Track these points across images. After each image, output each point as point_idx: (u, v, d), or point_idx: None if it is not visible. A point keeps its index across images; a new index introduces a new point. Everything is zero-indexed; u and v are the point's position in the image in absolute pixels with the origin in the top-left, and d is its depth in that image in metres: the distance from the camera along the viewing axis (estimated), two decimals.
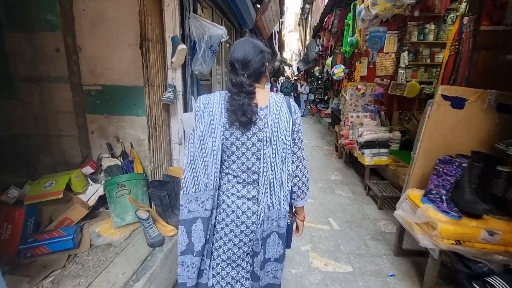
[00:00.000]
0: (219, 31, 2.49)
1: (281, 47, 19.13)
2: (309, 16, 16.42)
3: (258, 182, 1.12)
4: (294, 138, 1.13)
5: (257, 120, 1.07)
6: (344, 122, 5.14)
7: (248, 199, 1.14)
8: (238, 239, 1.17)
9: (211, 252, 1.20)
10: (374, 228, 2.86)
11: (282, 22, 18.68)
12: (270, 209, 1.13)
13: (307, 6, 16.66)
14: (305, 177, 1.22)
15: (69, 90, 2.33)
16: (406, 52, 4.40)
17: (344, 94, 4.77)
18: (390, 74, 4.60)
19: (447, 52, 2.66)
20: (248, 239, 1.17)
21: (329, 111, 8.58)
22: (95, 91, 2.47)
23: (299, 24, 22.54)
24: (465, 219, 1.72)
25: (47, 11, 2.20)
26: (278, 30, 16.89)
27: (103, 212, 2.34)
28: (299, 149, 1.16)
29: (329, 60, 5.35)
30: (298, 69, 18.99)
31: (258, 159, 1.10)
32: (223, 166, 1.14)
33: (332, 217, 3.07)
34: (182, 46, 2.26)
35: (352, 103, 4.92)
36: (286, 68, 27.91)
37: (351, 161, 4.94)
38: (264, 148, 1.08)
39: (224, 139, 1.08)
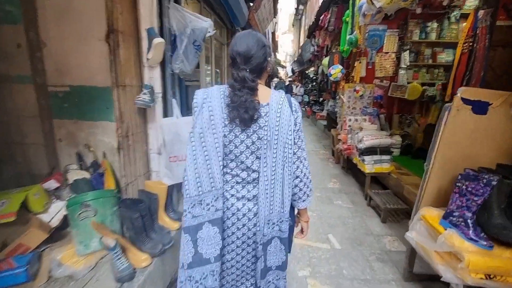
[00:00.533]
0: (204, 23, 2.17)
1: (275, 48, 18.98)
2: (303, 16, 16.23)
3: (258, 181, 1.07)
4: (294, 138, 1.08)
5: (258, 118, 1.03)
6: (341, 126, 4.86)
7: (248, 199, 1.09)
8: (241, 242, 1.12)
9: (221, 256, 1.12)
10: (379, 246, 2.56)
11: (275, 23, 18.52)
12: (271, 212, 1.08)
13: (301, 7, 16.48)
14: (307, 178, 1.15)
15: (32, 91, 2.03)
16: (407, 52, 4.15)
17: (342, 96, 4.50)
18: (390, 75, 4.34)
19: (459, 50, 2.39)
20: (252, 241, 1.13)
21: (324, 113, 8.32)
22: (62, 92, 2.13)
23: (293, 25, 22.36)
24: (497, 248, 1.43)
25: (5, 1, 1.90)
26: (272, 31, 16.77)
27: (71, 232, 1.99)
28: (299, 149, 1.11)
29: (325, 60, 5.08)
30: (292, 70, 18.82)
31: (258, 158, 1.06)
32: (224, 165, 1.08)
33: (332, 233, 2.76)
34: (158, 40, 1.93)
35: (350, 105, 4.64)
36: (280, 69, 27.84)
37: (349, 167, 4.66)
38: (265, 147, 1.04)
39: (223, 136, 1.03)
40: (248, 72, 1.00)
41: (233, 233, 1.10)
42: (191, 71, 2.23)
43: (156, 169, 2.35)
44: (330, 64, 4.64)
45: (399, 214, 3.12)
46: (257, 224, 1.09)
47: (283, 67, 27.27)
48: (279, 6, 22.63)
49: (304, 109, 13.58)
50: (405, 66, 4.19)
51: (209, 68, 4.45)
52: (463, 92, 1.72)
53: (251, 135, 1.04)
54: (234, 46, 1.04)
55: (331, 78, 4.60)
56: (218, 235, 1.06)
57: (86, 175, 2.19)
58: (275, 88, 16.45)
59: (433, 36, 4.27)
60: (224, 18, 4.93)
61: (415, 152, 4.23)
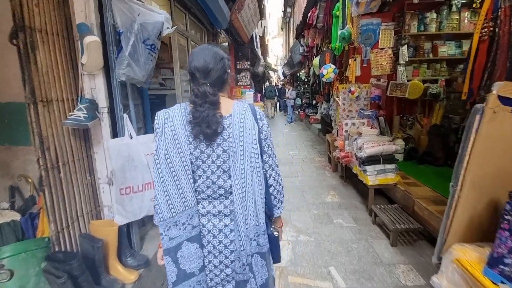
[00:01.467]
0: (157, 17, 1.71)
1: (265, 52, 18.71)
2: (291, 19, 15.94)
3: (226, 197, 1.06)
4: (263, 146, 1.07)
5: (222, 131, 1.01)
6: (337, 131, 4.41)
7: (225, 215, 1.06)
8: (218, 261, 1.07)
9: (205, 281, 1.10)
10: (391, 280, 2.09)
11: (264, 26, 18.26)
12: (247, 226, 1.03)
13: (288, 9, 16.19)
14: (280, 185, 1.15)
15: None
16: (405, 46, 3.74)
17: (336, 99, 4.05)
18: (387, 73, 3.91)
19: (477, 38, 1.96)
20: (229, 261, 1.08)
21: (318, 116, 7.89)
22: None
23: (281, 29, 22.12)
24: None
25: None
26: (261, 35, 16.52)
27: None
28: (269, 157, 1.10)
29: (316, 60, 4.66)
30: (283, 73, 18.50)
31: (224, 171, 1.04)
32: (195, 181, 1.06)
33: (334, 265, 2.28)
34: (91, 38, 1.46)
35: (346, 108, 4.21)
36: (272, 73, 27.60)
37: (348, 176, 4.20)
38: (231, 159, 1.02)
39: (189, 154, 1.02)
40: (209, 86, 0.98)
41: (209, 252, 1.07)
42: (144, 78, 1.75)
43: (108, 203, 1.86)
44: (321, 63, 4.20)
45: (411, 235, 2.65)
46: (234, 241, 1.06)
47: (275, 71, 27.07)
48: (267, 10, 22.57)
49: (297, 112, 13.18)
50: (404, 63, 3.78)
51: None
52: (501, 88, 1.27)
53: (216, 148, 1.02)
54: (192, 61, 1.01)
55: (324, 79, 4.16)
56: (199, 250, 1.06)
57: (15, 216, 1.70)
58: (265, 91, 16.01)
59: (432, 28, 3.87)
60: (203, 19, 4.49)
61: (420, 157, 3.79)
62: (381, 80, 4.03)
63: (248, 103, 1.08)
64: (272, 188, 1.12)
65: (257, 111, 1.08)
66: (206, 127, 0.96)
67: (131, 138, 1.82)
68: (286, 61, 15.77)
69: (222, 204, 1.06)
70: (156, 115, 1.04)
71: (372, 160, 3.04)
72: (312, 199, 3.67)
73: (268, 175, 1.10)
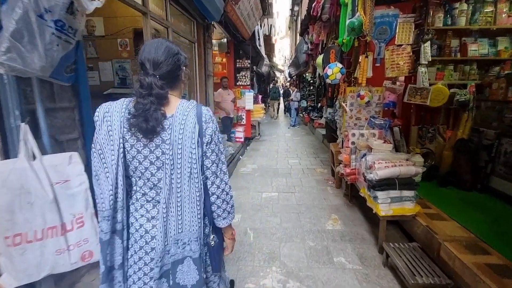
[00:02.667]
0: None
1: (271, 51, 18.11)
2: (299, 17, 15.29)
3: (158, 201, 1.02)
4: (205, 151, 1.01)
5: (161, 131, 0.95)
6: (342, 141, 3.77)
7: (158, 220, 1.01)
8: (149, 268, 1.03)
9: (126, 279, 1.05)
10: None
11: (271, 25, 17.68)
12: (180, 231, 1.01)
13: (296, 7, 15.55)
14: (226, 193, 1.08)
15: None
16: (428, 43, 3.08)
17: (343, 104, 3.41)
18: (405, 74, 3.27)
19: None
20: (149, 258, 1.03)
21: (323, 121, 7.24)
22: None
23: (289, 28, 21.47)
24: None
25: None
26: (267, 34, 15.95)
27: None
28: (213, 163, 1.03)
29: (319, 59, 4.02)
30: (289, 74, 17.86)
31: (166, 174, 0.98)
32: (132, 183, 1.03)
33: None
34: None
35: (353, 115, 3.56)
36: (278, 74, 26.98)
37: (354, 195, 3.56)
38: (169, 162, 0.96)
39: (126, 152, 0.97)
40: (157, 78, 0.93)
41: (140, 258, 1.03)
42: (45, 71, 1.16)
43: None
44: (326, 62, 3.57)
45: None
46: (158, 244, 0.99)
47: (281, 71, 26.45)
48: (275, 9, 22.00)
49: (301, 115, 12.52)
50: (426, 63, 3.13)
51: None
52: None
53: (154, 149, 0.97)
54: (142, 52, 0.96)
55: (328, 80, 3.52)
56: (121, 245, 1.00)
57: None
58: (269, 92, 15.50)
59: (462, 22, 3.20)
60: (191, 9, 3.90)
61: (443, 178, 3.14)
62: (397, 83, 3.38)
63: (195, 104, 1.02)
64: (214, 196, 1.06)
65: (204, 113, 1.01)
66: (143, 120, 0.91)
67: (34, 159, 1.23)
68: (291, 61, 15.14)
69: (156, 209, 1.02)
70: (99, 107, 0.97)
71: (386, 184, 2.40)
72: (310, 224, 3.04)
73: (210, 182, 1.04)
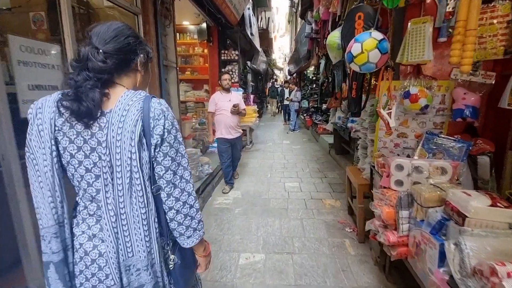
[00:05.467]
0: None
1: (269, 46, 16.65)
2: (299, 8, 13.78)
3: (101, 216, 0.83)
4: (155, 156, 0.81)
5: (97, 130, 0.78)
6: (372, 173, 2.25)
7: (102, 240, 0.84)
8: None
9: None
10: None
11: (268, 18, 16.21)
12: (131, 255, 0.83)
13: None
14: (189, 206, 0.87)
15: None
16: None
17: (382, 112, 1.86)
18: (498, 56, 1.74)
19: None
20: None
21: (329, 127, 5.72)
22: None
23: (289, 22, 19.92)
24: None
25: None
26: (264, 28, 14.55)
27: None
28: (167, 170, 0.83)
29: (333, 35, 2.45)
30: (289, 72, 16.39)
31: (106, 185, 0.81)
32: (77, 193, 0.88)
33: None
34: None
35: (398, 128, 2.04)
36: (277, 71, 25.55)
37: (395, 265, 2.05)
38: (105, 170, 0.79)
39: (56, 156, 0.80)
40: (102, 52, 0.77)
41: (81, 284, 0.84)
42: None
43: None
44: (348, 35, 2.02)
45: None
46: (109, 275, 0.82)
47: (280, 69, 25.07)
48: (274, 4, 20.53)
49: (302, 117, 10.98)
50: None
51: (54, 49, 1.92)
52: None
53: (90, 153, 0.80)
54: (94, 26, 0.82)
55: (354, 67, 1.93)
56: (59, 283, 0.83)
57: None
58: (268, 90, 14.54)
59: None
60: None
61: None
62: (481, 73, 1.85)
63: (143, 95, 0.81)
64: (173, 211, 0.86)
65: (153, 106, 0.80)
66: (74, 100, 0.75)
67: None
68: (291, 56, 13.62)
69: (99, 225, 0.85)
70: (34, 103, 0.81)
71: None
72: None
73: (165, 194, 0.84)
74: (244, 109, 3.87)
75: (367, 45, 1.71)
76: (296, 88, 9.81)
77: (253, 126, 6.55)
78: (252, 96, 7.35)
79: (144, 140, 0.79)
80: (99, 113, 0.77)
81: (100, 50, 0.77)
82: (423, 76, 1.94)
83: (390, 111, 1.77)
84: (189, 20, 5.70)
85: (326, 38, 3.37)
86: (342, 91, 4.82)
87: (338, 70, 4.74)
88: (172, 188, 0.84)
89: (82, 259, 0.84)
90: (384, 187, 1.89)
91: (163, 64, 3.07)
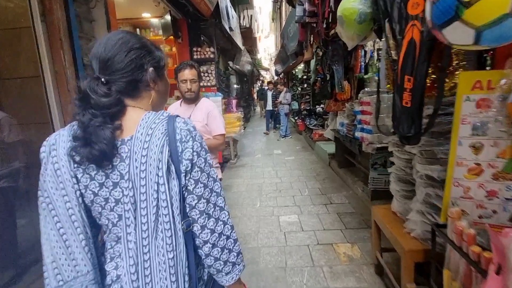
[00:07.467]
0: None
1: (253, 46, 15.70)
2: (283, 4, 12.85)
3: (125, 255, 0.70)
4: (185, 185, 0.70)
5: (118, 162, 0.68)
6: (435, 233, 1.23)
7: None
8: None
9: None
10: None
11: (251, 16, 15.26)
12: None
13: None
14: (226, 238, 0.76)
15: None
16: None
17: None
18: None
19: None
20: None
21: (329, 135, 4.72)
22: None
23: (273, 20, 19.00)
24: None
25: None
26: (247, 26, 13.61)
27: None
28: (200, 199, 0.72)
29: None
30: (276, 72, 15.48)
31: (128, 225, 0.68)
32: (104, 232, 0.77)
33: None
34: None
35: (493, 162, 1.02)
36: (263, 72, 24.68)
37: None
38: (128, 207, 0.66)
39: (79, 196, 0.68)
40: (104, 82, 0.68)
41: None
42: None
43: None
44: None
45: None
46: None
47: (266, 69, 24.23)
48: (256, 4, 19.59)
49: (293, 120, 10.00)
50: None
51: None
52: None
53: (113, 189, 0.69)
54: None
55: (462, 27, 0.94)
56: None
57: None
58: (257, 93, 13.80)
59: None
60: None
61: None
62: None
63: (166, 115, 0.70)
64: (208, 246, 0.74)
65: (178, 127, 0.69)
66: (84, 144, 0.64)
67: None
68: (277, 55, 12.67)
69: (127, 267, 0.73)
70: (46, 140, 0.71)
71: None
72: None
73: (199, 227, 0.72)
74: (221, 134, 2.03)
75: None
76: (285, 89, 8.79)
77: (237, 136, 5.49)
78: (234, 102, 6.28)
79: (172, 168, 0.67)
80: (115, 152, 0.66)
81: (102, 79, 0.67)
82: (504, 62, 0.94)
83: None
84: (149, 12, 4.61)
85: (329, 18, 2.35)
86: (344, 90, 3.84)
87: (338, 65, 3.75)
88: (206, 219, 0.73)
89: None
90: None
91: (75, 64, 1.95)
